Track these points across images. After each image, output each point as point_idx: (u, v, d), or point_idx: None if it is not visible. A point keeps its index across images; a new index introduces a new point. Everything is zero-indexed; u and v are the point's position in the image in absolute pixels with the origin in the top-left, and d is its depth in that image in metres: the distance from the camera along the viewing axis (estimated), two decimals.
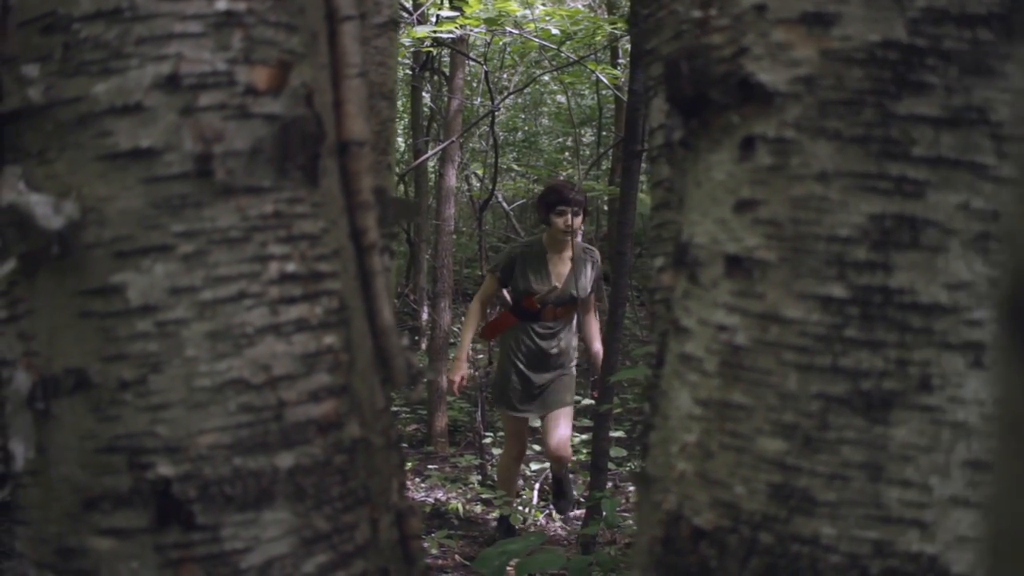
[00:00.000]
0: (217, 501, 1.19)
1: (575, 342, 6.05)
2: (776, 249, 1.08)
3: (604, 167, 12.20)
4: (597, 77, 7.39)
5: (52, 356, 1.22)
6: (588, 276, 5.94)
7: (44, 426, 1.23)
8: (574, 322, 6.02)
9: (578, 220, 5.82)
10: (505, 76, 12.72)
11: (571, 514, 6.37)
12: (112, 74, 1.19)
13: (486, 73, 7.32)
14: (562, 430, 5.81)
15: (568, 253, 5.92)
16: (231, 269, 1.20)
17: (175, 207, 1.18)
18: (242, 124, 1.21)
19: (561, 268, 5.93)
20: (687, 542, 1.14)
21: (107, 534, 1.20)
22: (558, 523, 6.37)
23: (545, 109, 15.36)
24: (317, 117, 1.29)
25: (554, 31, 6.02)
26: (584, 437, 7.58)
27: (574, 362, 6.06)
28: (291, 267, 1.23)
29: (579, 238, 6.11)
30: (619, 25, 6.44)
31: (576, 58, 6.74)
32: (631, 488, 6.52)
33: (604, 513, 4.00)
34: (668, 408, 1.19)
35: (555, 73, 8.89)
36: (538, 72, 10.71)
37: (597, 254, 6.07)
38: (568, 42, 6.45)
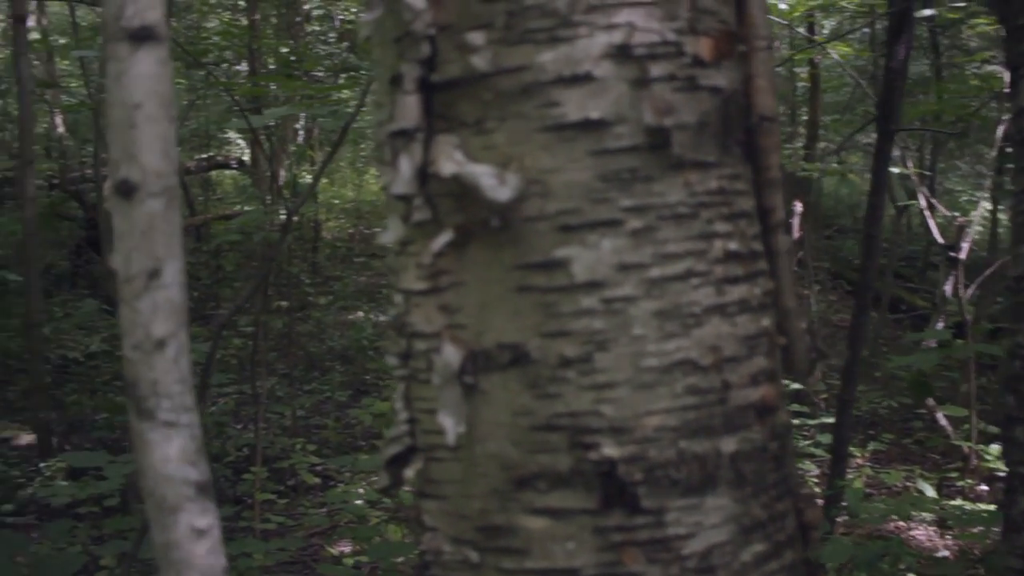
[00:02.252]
0: (662, 485, 1.15)
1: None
2: None
3: (797, 145, 11.89)
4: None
5: (482, 330, 1.20)
6: None
7: (472, 401, 1.21)
8: None
9: None
10: None
11: None
12: (560, 43, 1.15)
13: None
14: None
15: None
16: (679, 246, 1.16)
17: (624, 181, 1.15)
18: (690, 97, 1.16)
19: None
20: None
21: (541, 513, 1.18)
22: None
23: None
24: (746, 90, 1.24)
25: (782, 5, 5.87)
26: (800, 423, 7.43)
27: None
28: (733, 245, 1.19)
29: None
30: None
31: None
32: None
33: (846, 503, 3.89)
34: None
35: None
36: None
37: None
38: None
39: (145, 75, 0.98)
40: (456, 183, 1.18)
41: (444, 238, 1.21)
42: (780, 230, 1.34)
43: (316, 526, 5.59)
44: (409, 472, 1.30)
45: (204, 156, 13.82)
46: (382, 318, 10.16)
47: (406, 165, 1.23)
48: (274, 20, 12.91)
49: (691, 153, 1.16)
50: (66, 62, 13.70)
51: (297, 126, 13.45)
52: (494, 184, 1.16)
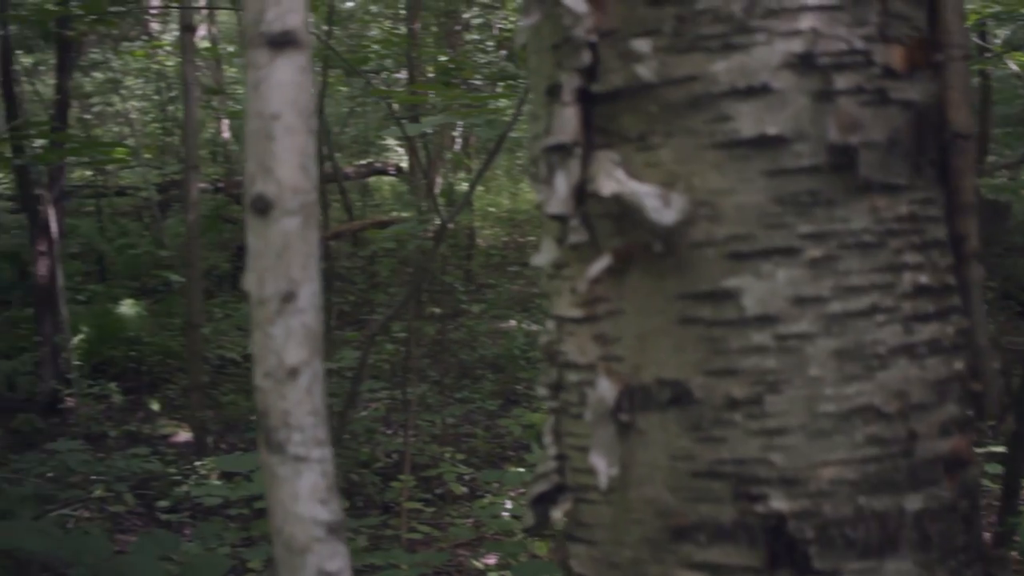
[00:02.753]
0: (837, 544, 1.03)
1: None
2: None
3: None
4: None
5: (641, 364, 1.10)
6: None
7: (627, 440, 1.11)
8: None
9: None
10: None
11: None
12: (734, 51, 1.05)
13: None
14: None
15: None
16: (863, 279, 1.04)
17: (803, 205, 1.03)
18: (879, 112, 1.04)
19: None
20: None
21: (700, 568, 1.07)
22: None
23: None
24: (939, 104, 1.11)
25: None
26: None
27: None
28: (924, 278, 1.06)
29: None
30: None
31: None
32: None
33: (1019, 538, 3.65)
34: None
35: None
36: None
37: None
38: None
39: (284, 83, 0.91)
40: (616, 203, 1.08)
41: (602, 263, 1.11)
42: (974, 260, 1.20)
43: (461, 537, 5.54)
44: (557, 513, 1.21)
45: (363, 162, 14.01)
46: (534, 327, 10.11)
47: (562, 183, 1.13)
48: (434, 29, 13.02)
49: (879, 175, 1.04)
50: (234, 69, 14.07)
51: (454, 134, 13.52)
52: (658, 206, 1.06)
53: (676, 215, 1.05)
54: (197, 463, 6.48)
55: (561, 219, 1.15)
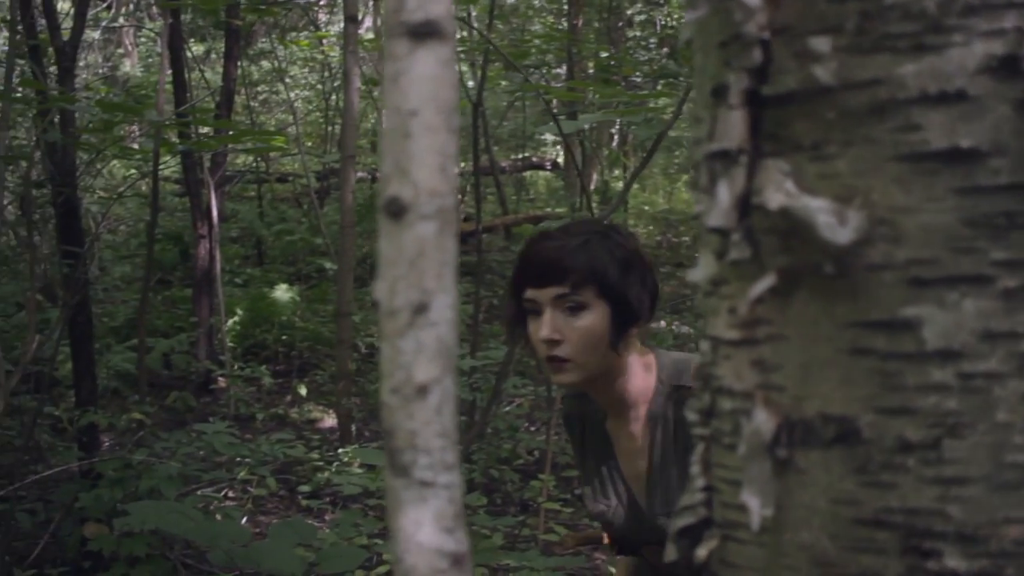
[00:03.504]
0: None
1: None
2: None
3: None
4: None
5: (803, 396, 1.00)
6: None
7: (784, 479, 1.01)
8: None
9: (589, 319, 2.21)
10: None
11: None
12: (926, 52, 0.93)
13: None
14: None
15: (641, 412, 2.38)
16: None
17: (999, 228, 0.92)
18: None
19: (632, 449, 2.42)
20: None
21: None
22: None
23: None
24: None
25: None
26: None
27: None
28: None
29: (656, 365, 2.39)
30: None
31: None
32: None
33: None
34: None
35: None
36: None
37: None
38: None
39: (425, 77, 0.83)
40: (784, 218, 0.98)
41: (765, 283, 1.01)
42: None
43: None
44: (702, 551, 1.11)
45: (519, 156, 14.00)
46: (684, 330, 9.95)
47: (725, 193, 1.04)
48: (596, 25, 12.93)
49: None
50: None
51: (612, 131, 13.42)
52: (832, 223, 0.95)
53: (852, 234, 0.95)
54: (340, 451, 6.53)
55: (722, 233, 1.05)
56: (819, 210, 0.96)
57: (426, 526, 0.87)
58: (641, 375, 2.34)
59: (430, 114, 0.83)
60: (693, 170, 1.12)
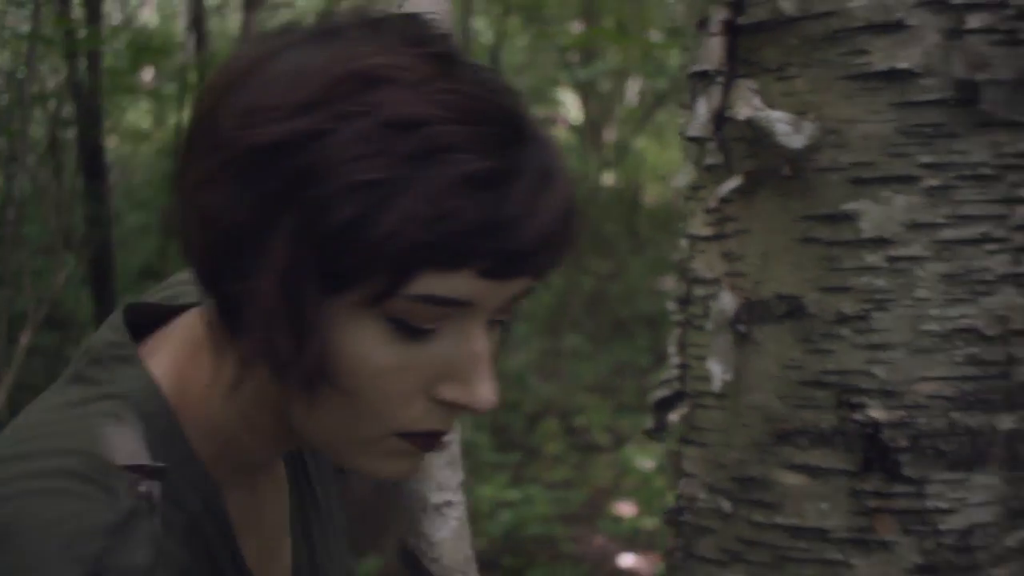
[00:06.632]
0: (927, 455, 1.10)
1: None
2: None
3: None
4: None
5: (762, 280, 1.19)
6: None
7: (744, 350, 1.20)
8: None
9: None
10: None
11: None
12: None
13: None
14: None
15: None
16: (976, 209, 1.10)
17: (926, 136, 1.10)
18: (1009, 52, 1.10)
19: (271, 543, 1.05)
20: None
21: (799, 470, 1.16)
22: None
23: None
24: None
25: None
26: None
27: None
28: None
29: None
30: None
31: None
32: None
33: None
34: None
35: None
36: None
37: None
38: None
39: (424, 7, 1.00)
40: (750, 128, 1.16)
41: (732, 183, 1.20)
42: None
43: (601, 483, 5.65)
44: (674, 416, 1.30)
45: (537, 114, 14.11)
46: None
47: (703, 107, 1.22)
48: None
49: (1003, 111, 1.09)
50: None
51: (632, 89, 13.52)
52: (789, 131, 1.14)
53: (805, 140, 1.13)
54: None
55: (700, 141, 1.24)
56: (778, 120, 1.14)
57: None
58: None
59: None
60: (681, 92, 1.30)
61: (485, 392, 0.81)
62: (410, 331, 0.78)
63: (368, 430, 0.81)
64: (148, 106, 9.75)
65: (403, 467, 0.86)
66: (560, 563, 4.65)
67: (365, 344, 0.77)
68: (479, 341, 0.80)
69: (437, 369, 0.80)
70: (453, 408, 0.82)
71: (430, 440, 0.84)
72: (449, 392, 0.81)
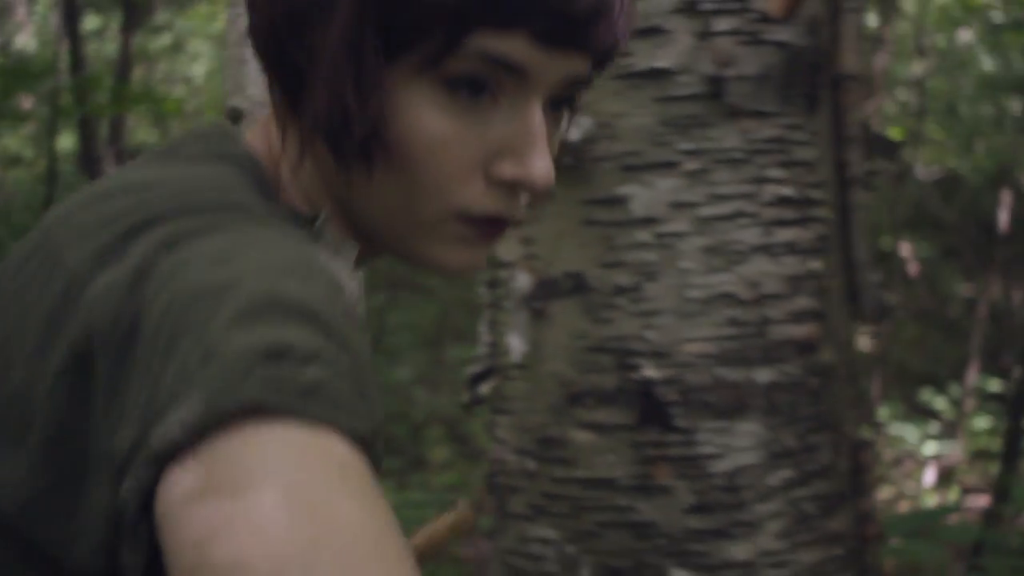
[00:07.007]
0: (695, 407, 1.25)
1: None
2: None
3: None
4: None
5: (552, 260, 1.32)
6: None
7: (538, 324, 1.33)
8: None
9: None
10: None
11: None
12: None
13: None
14: None
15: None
16: (730, 188, 1.25)
17: (683, 126, 1.25)
18: (753, 50, 1.25)
19: None
20: None
21: (588, 428, 1.29)
22: None
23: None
24: (820, 48, 1.32)
25: None
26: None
27: None
28: (786, 191, 1.27)
29: None
30: None
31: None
32: None
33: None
34: None
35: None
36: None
37: None
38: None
39: None
40: None
41: None
42: (856, 185, 1.41)
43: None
44: (485, 388, 1.43)
45: None
46: None
47: None
48: None
49: (750, 103, 1.25)
50: None
51: None
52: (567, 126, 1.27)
53: (582, 133, 1.27)
54: None
55: None
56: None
57: None
58: None
59: None
60: None
61: (542, 166, 0.79)
62: (468, 94, 0.75)
63: (428, 209, 0.79)
64: (28, 132, 9.59)
65: (468, 257, 0.82)
66: (442, 565, 4.75)
67: (423, 111, 0.76)
68: (535, 117, 0.77)
69: (494, 144, 0.78)
70: (512, 189, 0.79)
71: (492, 228, 0.81)
72: (507, 168, 0.78)
